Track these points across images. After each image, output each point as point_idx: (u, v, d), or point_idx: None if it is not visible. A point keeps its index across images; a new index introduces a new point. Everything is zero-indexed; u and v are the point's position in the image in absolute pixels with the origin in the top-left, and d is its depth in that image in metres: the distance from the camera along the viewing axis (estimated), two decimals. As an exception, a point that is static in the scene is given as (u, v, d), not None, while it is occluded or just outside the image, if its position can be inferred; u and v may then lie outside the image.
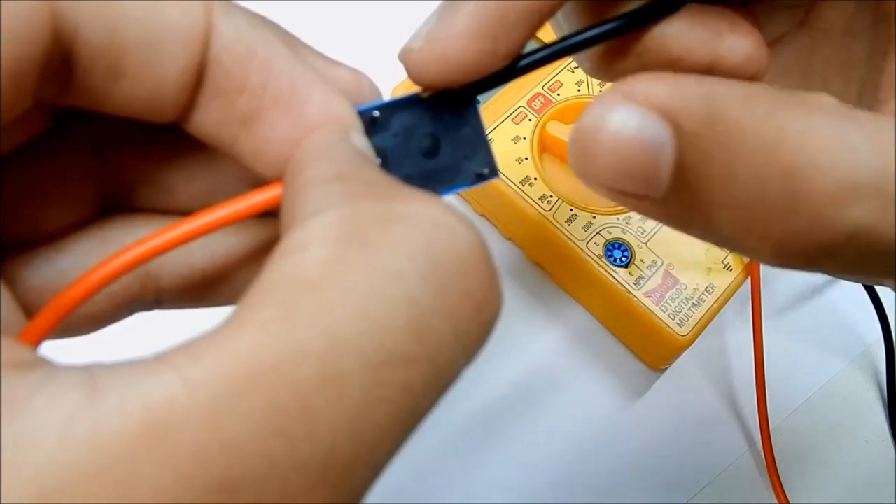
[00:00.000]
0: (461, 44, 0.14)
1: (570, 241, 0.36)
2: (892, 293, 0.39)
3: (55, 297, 0.13)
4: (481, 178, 0.16)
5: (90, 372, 0.10)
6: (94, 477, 0.09)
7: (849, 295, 0.41)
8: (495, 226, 0.40)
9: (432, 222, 0.11)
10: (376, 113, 0.15)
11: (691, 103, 0.13)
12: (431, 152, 0.15)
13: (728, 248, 0.15)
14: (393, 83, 0.39)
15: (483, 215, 0.40)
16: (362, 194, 0.12)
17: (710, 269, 0.35)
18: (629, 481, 0.36)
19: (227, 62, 0.13)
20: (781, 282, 0.41)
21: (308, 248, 0.11)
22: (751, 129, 0.13)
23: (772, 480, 0.36)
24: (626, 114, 0.13)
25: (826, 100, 0.13)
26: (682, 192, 0.14)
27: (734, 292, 0.35)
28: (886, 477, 0.37)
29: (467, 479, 0.35)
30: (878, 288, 0.37)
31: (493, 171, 0.16)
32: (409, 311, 0.11)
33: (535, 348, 0.38)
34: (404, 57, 0.15)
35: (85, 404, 0.09)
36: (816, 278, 0.41)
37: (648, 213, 0.15)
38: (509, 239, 0.40)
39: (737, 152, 0.13)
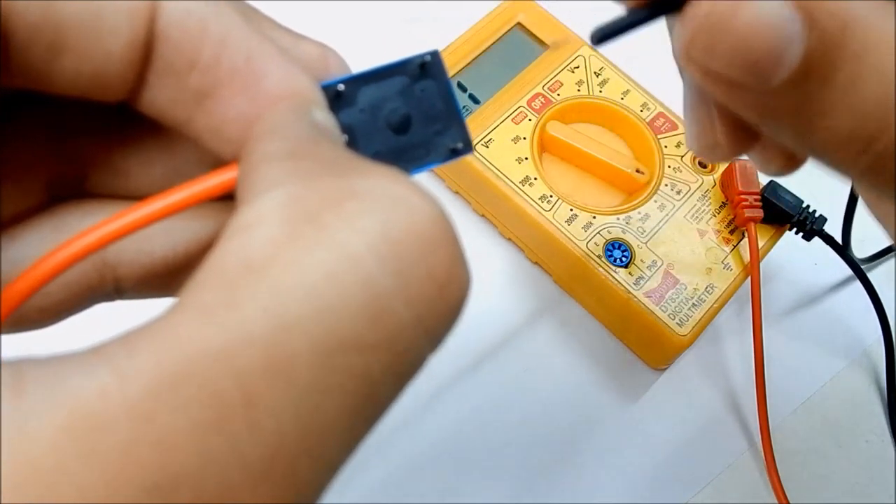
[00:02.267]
0: None
1: (570, 241, 0.35)
2: (893, 293, 0.39)
3: (2, 290, 0.12)
4: (455, 153, 0.15)
5: (17, 368, 0.09)
6: (19, 481, 0.08)
7: (849, 295, 0.41)
8: (495, 226, 0.40)
9: (390, 198, 0.11)
10: (341, 87, 0.14)
11: (829, 3, 0.13)
12: (402, 128, 0.15)
13: (808, 152, 0.14)
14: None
15: (483, 215, 0.40)
16: (315, 171, 0.11)
17: (710, 269, 0.35)
18: (629, 481, 0.36)
19: (177, 36, 0.13)
20: (782, 282, 0.41)
21: (255, 228, 0.10)
22: (886, 40, 0.12)
23: (772, 480, 0.36)
24: (764, 1, 0.12)
25: None
26: (794, 89, 0.13)
27: (734, 292, 0.35)
28: (886, 477, 0.37)
29: (466, 479, 0.35)
30: (878, 288, 0.37)
31: (468, 146, 0.15)
32: (365, 294, 0.10)
33: (534, 348, 0.38)
34: None
35: (9, 403, 0.09)
36: (817, 279, 0.41)
37: (740, 103, 0.14)
38: (509, 239, 0.40)
39: (868, 63, 0.12)
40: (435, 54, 0.15)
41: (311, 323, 0.10)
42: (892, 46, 0.12)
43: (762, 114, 0.14)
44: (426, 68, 0.15)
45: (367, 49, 0.43)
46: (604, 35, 0.14)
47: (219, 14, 0.13)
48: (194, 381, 0.09)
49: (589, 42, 0.15)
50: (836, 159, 0.14)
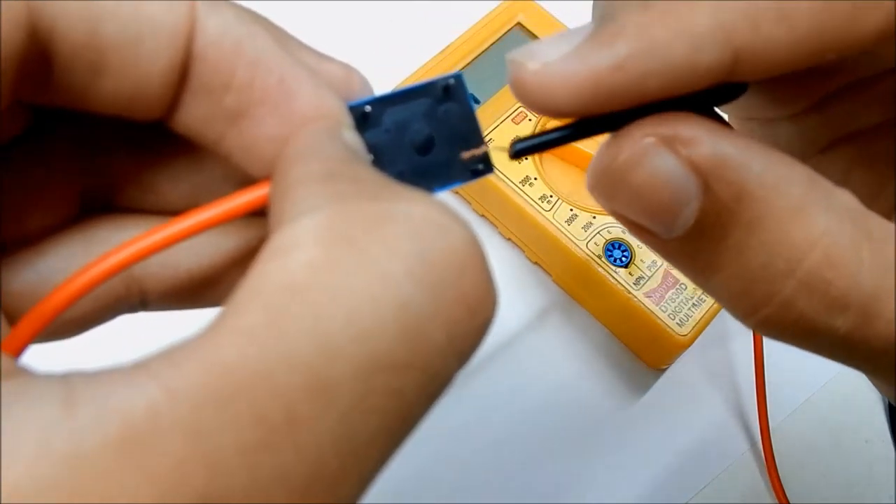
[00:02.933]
0: (571, 92, 0.13)
1: (570, 241, 0.35)
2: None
3: (37, 304, 0.12)
4: (476, 173, 0.15)
5: (67, 382, 0.09)
6: (71, 493, 0.08)
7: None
8: (495, 226, 0.40)
9: (424, 221, 0.11)
10: (368, 108, 0.15)
11: (727, 173, 0.13)
12: (425, 148, 0.15)
13: (712, 298, 0.15)
14: (392, 81, 0.39)
15: (483, 215, 0.40)
16: (352, 193, 0.11)
17: (710, 269, 0.35)
18: (629, 481, 0.36)
19: (213, 58, 0.13)
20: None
21: (295, 250, 0.10)
22: (776, 217, 0.13)
23: (772, 480, 0.36)
24: (663, 162, 0.13)
25: (848, 200, 0.14)
26: (690, 243, 0.14)
27: (734, 292, 0.35)
28: (886, 477, 0.37)
29: (465, 479, 0.35)
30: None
31: (489, 167, 0.15)
32: (402, 316, 0.10)
33: (534, 348, 0.38)
34: (517, 69, 0.14)
35: (62, 417, 0.09)
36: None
37: (647, 244, 0.15)
38: (509, 239, 0.40)
39: (758, 236, 0.13)
40: (458, 77, 0.15)
41: (351, 345, 0.10)
42: (782, 223, 0.13)
43: (663, 253, 0.15)
44: (450, 91, 0.15)
45: (355, 51, 0.43)
46: (521, 151, 0.15)
47: (253, 35, 0.13)
48: (241, 401, 0.09)
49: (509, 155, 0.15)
50: (728, 309, 0.15)
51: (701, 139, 0.13)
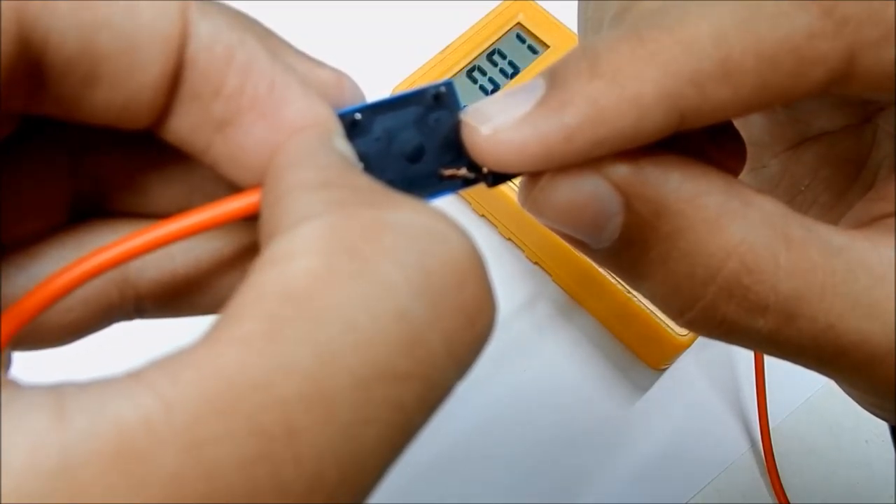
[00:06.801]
0: (523, 158, 0.14)
1: (570, 242, 0.35)
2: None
3: (13, 305, 0.12)
4: (467, 182, 0.15)
5: (58, 392, 0.09)
6: None
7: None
8: (495, 226, 0.40)
9: (424, 230, 0.11)
10: (358, 116, 0.14)
11: (645, 190, 0.14)
12: (415, 157, 0.15)
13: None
14: (392, 80, 0.39)
15: (483, 215, 0.40)
16: (350, 201, 0.11)
17: (710, 269, 0.35)
18: (629, 481, 0.36)
19: (204, 64, 0.13)
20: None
21: (294, 259, 0.10)
22: (694, 228, 0.14)
23: (772, 480, 0.36)
24: (585, 181, 0.14)
25: (770, 206, 0.14)
26: (618, 253, 0.14)
27: (734, 292, 0.35)
28: (886, 477, 0.37)
29: (467, 481, 0.35)
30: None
31: (479, 176, 0.15)
32: (402, 326, 0.10)
33: (534, 349, 0.38)
34: (469, 132, 0.14)
35: (53, 428, 0.08)
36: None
37: (580, 252, 0.16)
38: (509, 239, 0.40)
39: (676, 244, 0.14)
40: (449, 85, 0.15)
41: (351, 355, 0.10)
42: (699, 235, 0.14)
43: (596, 261, 0.16)
44: (440, 99, 0.15)
45: (355, 51, 0.43)
46: (500, 178, 0.15)
47: (244, 42, 0.13)
48: (238, 412, 0.09)
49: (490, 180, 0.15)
50: (662, 311, 0.15)
51: (621, 159, 0.14)
